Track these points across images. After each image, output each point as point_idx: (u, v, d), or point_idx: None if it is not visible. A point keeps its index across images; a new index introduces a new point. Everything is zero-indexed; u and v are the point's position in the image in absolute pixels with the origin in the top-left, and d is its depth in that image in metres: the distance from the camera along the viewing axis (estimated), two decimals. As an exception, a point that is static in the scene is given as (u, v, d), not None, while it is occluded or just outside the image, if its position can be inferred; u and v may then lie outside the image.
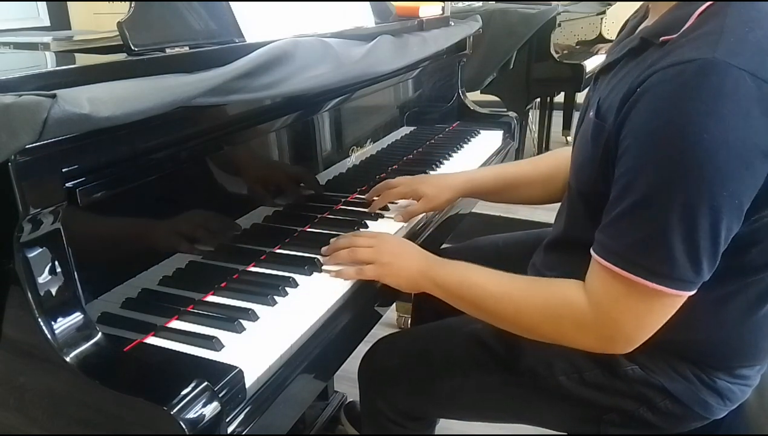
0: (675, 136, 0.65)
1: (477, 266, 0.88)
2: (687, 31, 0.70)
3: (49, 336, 0.59)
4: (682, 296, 0.71)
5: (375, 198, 1.15)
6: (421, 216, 1.15)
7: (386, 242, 0.94)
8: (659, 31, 0.73)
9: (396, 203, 1.16)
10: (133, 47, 0.74)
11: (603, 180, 0.76)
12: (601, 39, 3.77)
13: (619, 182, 0.71)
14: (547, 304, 0.80)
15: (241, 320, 0.75)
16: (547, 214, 1.18)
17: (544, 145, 3.60)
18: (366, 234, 0.98)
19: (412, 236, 1.10)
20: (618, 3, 3.83)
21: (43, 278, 0.60)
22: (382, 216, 1.12)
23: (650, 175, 0.67)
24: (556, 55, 2.95)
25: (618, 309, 0.73)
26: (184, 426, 0.55)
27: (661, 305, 0.72)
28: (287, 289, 0.84)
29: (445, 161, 1.43)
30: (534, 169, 1.17)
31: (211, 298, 0.83)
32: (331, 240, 0.96)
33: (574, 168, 0.87)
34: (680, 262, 0.67)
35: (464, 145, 1.57)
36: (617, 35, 0.95)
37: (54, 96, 0.52)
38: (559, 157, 1.12)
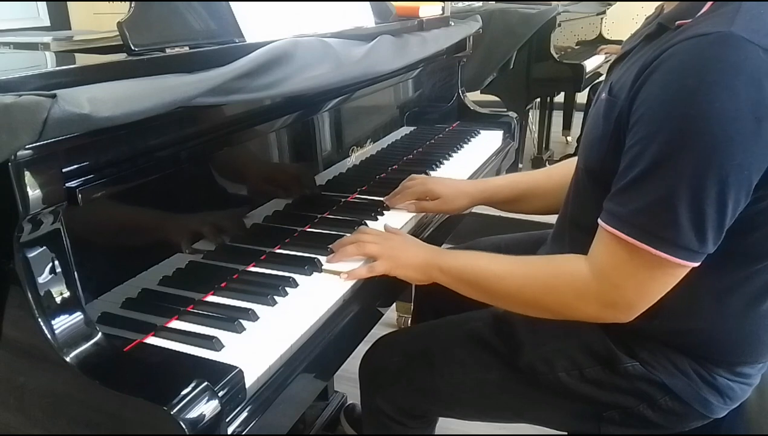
0: (686, 104, 0.66)
1: (481, 252, 0.90)
2: (702, 15, 0.71)
3: (49, 336, 0.59)
4: (684, 267, 0.71)
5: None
6: (421, 215, 1.15)
7: (390, 237, 0.96)
8: (675, 16, 0.75)
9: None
10: (133, 47, 0.74)
11: (613, 156, 0.77)
12: (601, 39, 3.78)
13: (630, 152, 0.72)
14: (548, 275, 0.82)
15: (241, 320, 0.75)
16: (546, 215, 1.18)
17: (544, 145, 3.59)
18: (370, 231, 0.98)
19: (412, 234, 1.10)
20: (618, 3, 3.84)
21: (43, 278, 0.60)
22: (382, 214, 1.12)
23: (660, 143, 0.68)
24: (556, 55, 2.95)
25: (620, 275, 0.74)
26: (184, 426, 0.55)
27: (663, 274, 0.72)
28: (287, 289, 0.84)
29: (445, 161, 1.43)
30: (548, 179, 1.16)
31: (211, 298, 0.83)
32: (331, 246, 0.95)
33: (584, 147, 0.87)
34: (685, 229, 0.68)
35: (464, 145, 1.56)
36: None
37: (54, 96, 0.52)
38: (573, 168, 1.11)
